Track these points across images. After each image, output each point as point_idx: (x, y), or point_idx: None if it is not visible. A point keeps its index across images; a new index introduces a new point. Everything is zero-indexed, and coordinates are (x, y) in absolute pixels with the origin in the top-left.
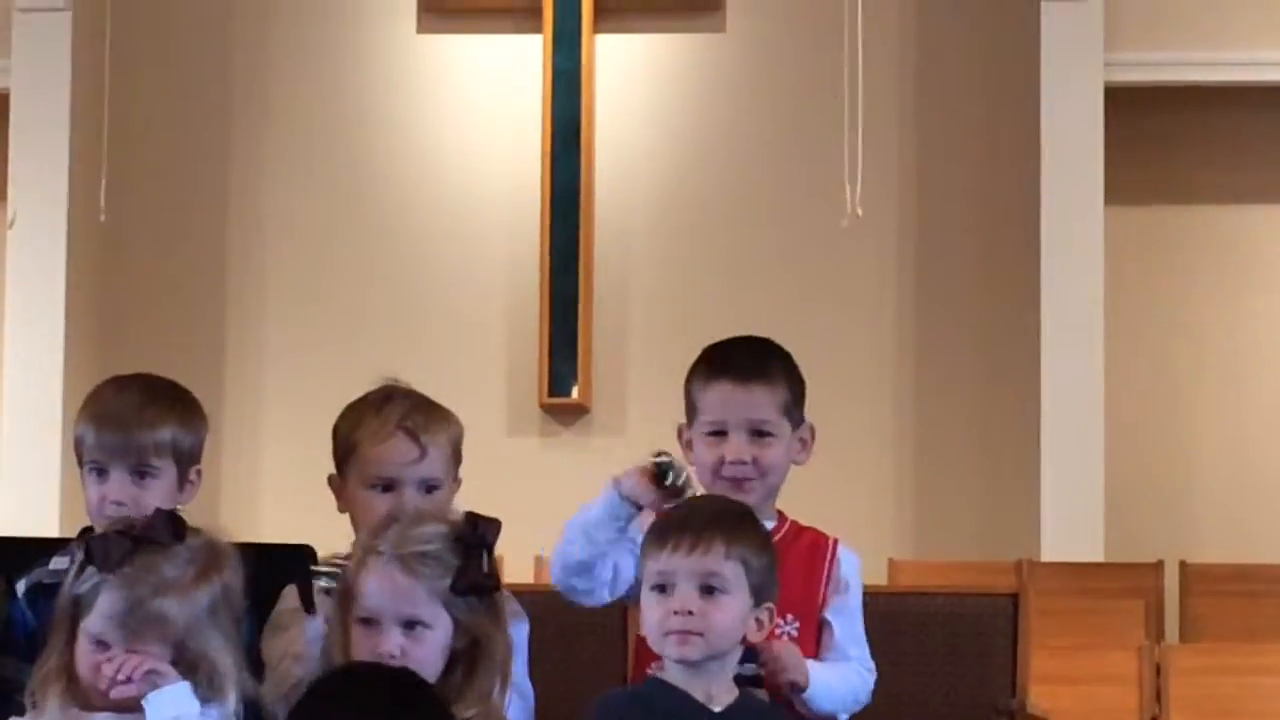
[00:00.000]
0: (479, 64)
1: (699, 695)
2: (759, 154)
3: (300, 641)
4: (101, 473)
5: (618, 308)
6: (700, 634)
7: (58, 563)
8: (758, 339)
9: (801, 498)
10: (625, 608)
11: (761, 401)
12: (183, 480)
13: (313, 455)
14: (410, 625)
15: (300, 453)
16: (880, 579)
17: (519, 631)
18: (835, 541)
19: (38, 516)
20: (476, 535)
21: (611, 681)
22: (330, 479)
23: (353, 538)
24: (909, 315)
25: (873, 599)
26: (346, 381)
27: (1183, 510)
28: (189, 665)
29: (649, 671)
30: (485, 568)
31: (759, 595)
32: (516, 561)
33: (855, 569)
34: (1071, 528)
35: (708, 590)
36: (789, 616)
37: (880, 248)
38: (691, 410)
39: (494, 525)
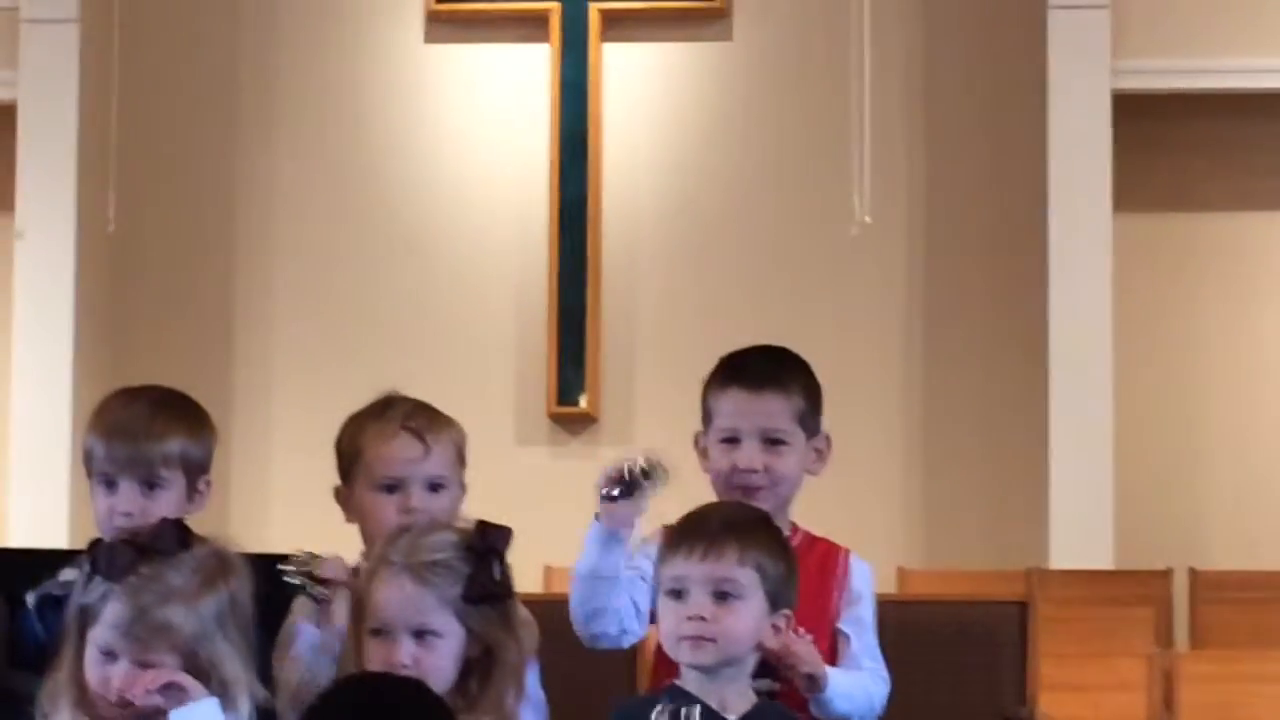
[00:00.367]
0: (486, 74)
1: (714, 703)
2: (767, 163)
3: (304, 659)
4: (110, 484)
5: (626, 317)
6: (713, 639)
7: (67, 574)
8: (776, 348)
9: (809, 506)
10: None
11: (775, 410)
12: (192, 491)
13: (322, 466)
14: (422, 635)
15: (310, 463)
16: (890, 588)
17: (528, 639)
18: (848, 553)
19: (47, 529)
20: (487, 543)
21: (621, 693)
22: (336, 491)
23: (362, 548)
24: (917, 324)
25: (882, 608)
26: (355, 392)
27: (1192, 517)
28: (199, 674)
29: (665, 682)
30: (497, 575)
31: (775, 601)
32: (525, 571)
33: (868, 580)
34: (1080, 535)
35: (721, 596)
36: (801, 630)
37: (888, 257)
38: (707, 417)
39: (505, 533)
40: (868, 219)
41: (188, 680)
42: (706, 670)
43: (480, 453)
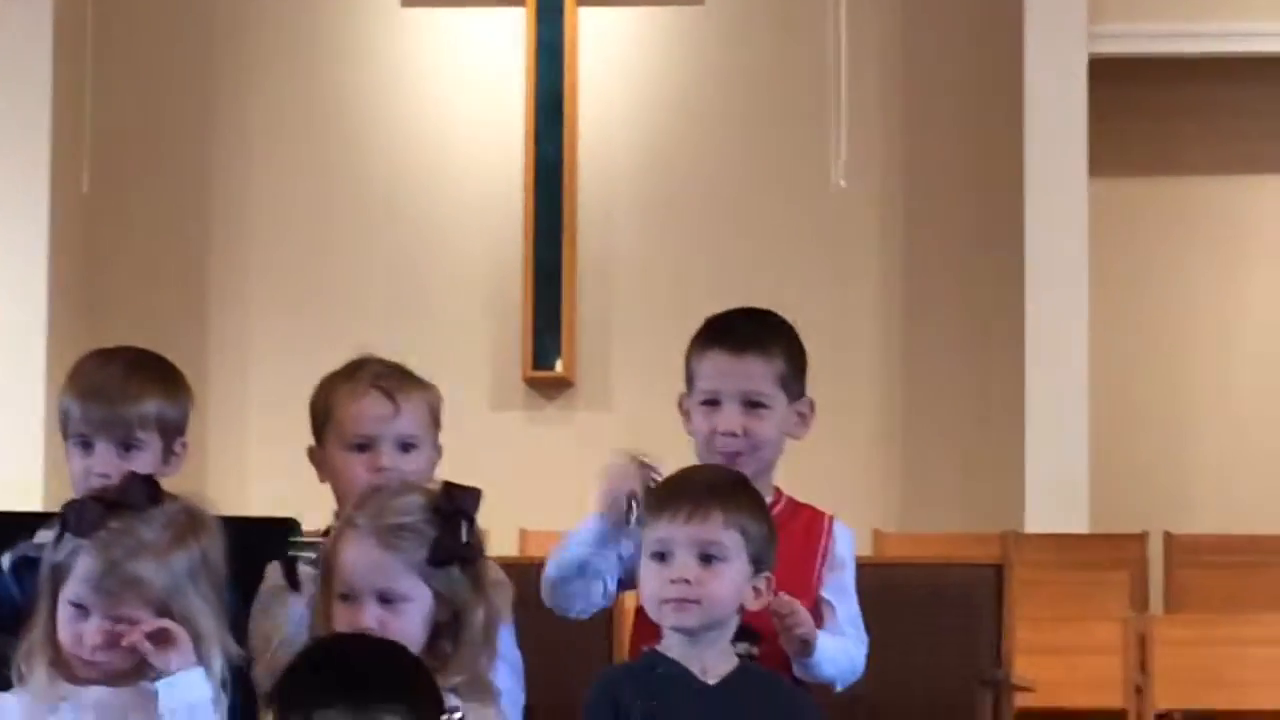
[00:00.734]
0: (462, 37)
1: (695, 668)
2: (743, 126)
3: (286, 626)
4: (87, 446)
5: (601, 281)
6: (697, 602)
7: (43, 536)
8: (759, 310)
9: (786, 470)
10: None
11: (755, 372)
12: (168, 452)
13: (298, 427)
14: (388, 599)
15: (286, 425)
16: (866, 551)
17: (501, 598)
18: (831, 518)
19: (22, 491)
20: (454, 505)
21: (598, 656)
22: (310, 451)
23: (335, 509)
24: (894, 287)
25: (859, 571)
26: (331, 355)
27: (1168, 482)
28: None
29: (645, 647)
30: (464, 538)
31: (757, 564)
32: (501, 535)
33: (850, 546)
34: (1056, 499)
35: (706, 559)
36: (783, 594)
37: (865, 220)
38: (690, 380)
39: (472, 494)
40: (844, 182)
41: (178, 631)
42: (688, 634)
43: (455, 417)
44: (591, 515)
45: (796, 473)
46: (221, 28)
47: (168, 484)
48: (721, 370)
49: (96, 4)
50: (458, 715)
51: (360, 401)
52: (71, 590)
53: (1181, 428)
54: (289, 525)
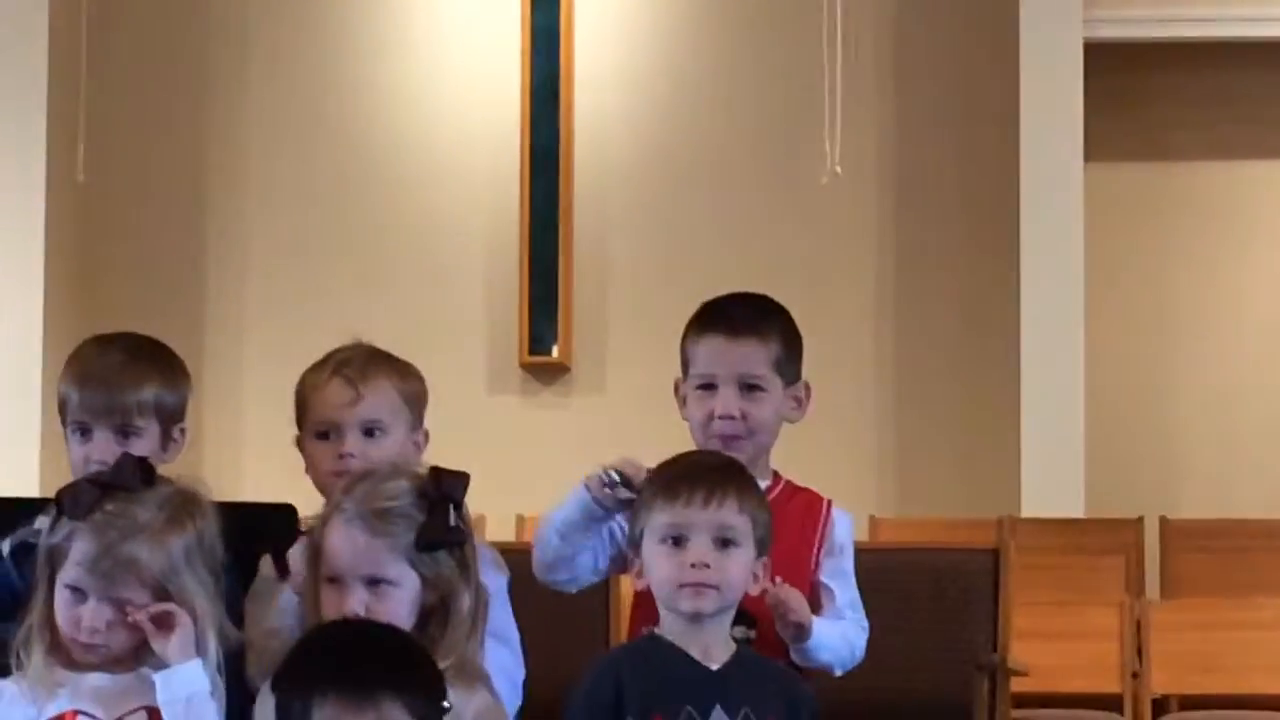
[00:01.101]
0: (459, 21)
1: (696, 652)
2: (739, 111)
3: (278, 619)
4: (85, 432)
5: (598, 266)
6: (716, 587)
7: (42, 522)
8: (755, 295)
9: (782, 455)
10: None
11: (751, 356)
12: (166, 439)
13: (292, 418)
14: (375, 583)
15: (282, 412)
16: (862, 536)
17: (497, 581)
18: (829, 503)
19: (19, 478)
20: (441, 490)
21: (595, 639)
22: (296, 441)
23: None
24: (889, 273)
25: (856, 556)
26: (327, 340)
27: (1163, 466)
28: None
29: (644, 630)
30: (451, 522)
31: (760, 549)
32: (498, 520)
33: (849, 531)
34: (1052, 484)
35: (722, 543)
36: (778, 579)
37: (860, 205)
38: (685, 365)
39: (459, 478)
40: (839, 168)
41: (182, 616)
42: (696, 619)
43: (452, 402)
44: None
45: (792, 458)
46: (216, 16)
47: (166, 470)
48: (717, 354)
49: None
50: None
51: (324, 389)
52: (68, 574)
53: (1177, 412)
54: (286, 511)
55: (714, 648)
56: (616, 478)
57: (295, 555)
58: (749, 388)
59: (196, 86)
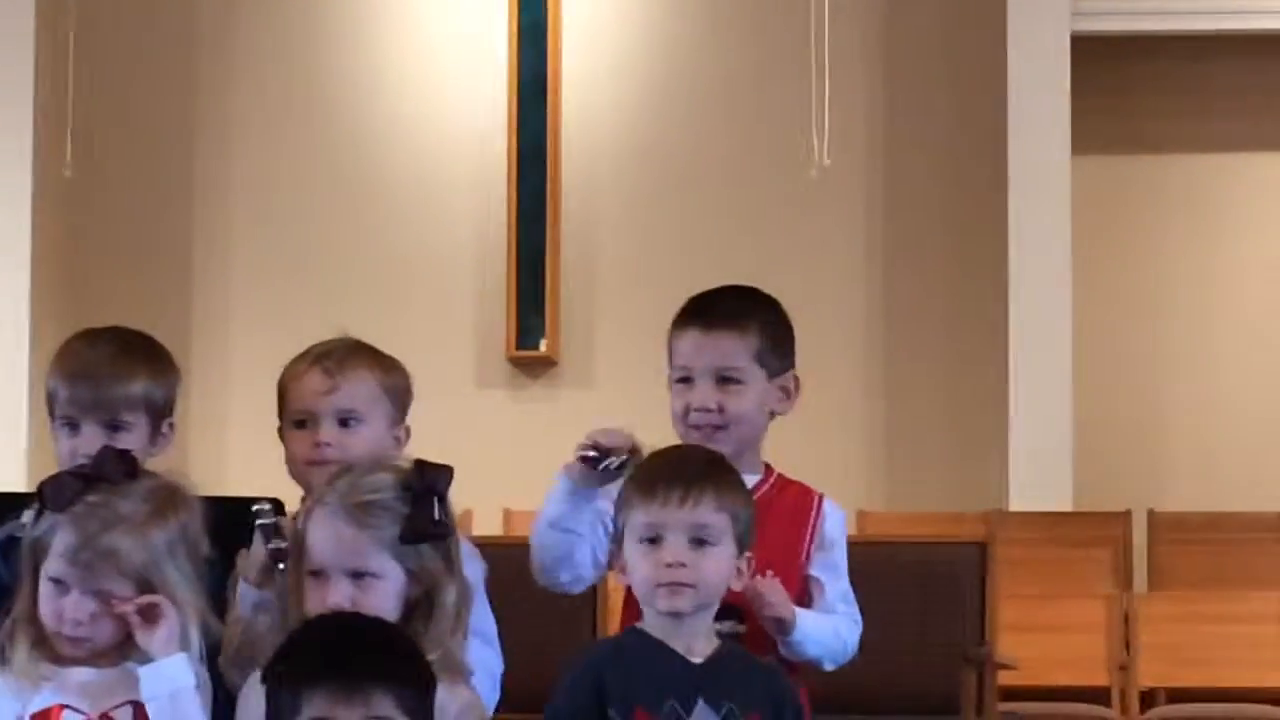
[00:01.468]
0: (446, 17)
1: (679, 647)
2: (726, 106)
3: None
4: (73, 427)
5: (586, 260)
6: (692, 586)
7: (27, 516)
8: (739, 287)
9: (771, 450)
10: None
11: (728, 349)
12: (155, 433)
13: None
14: (359, 576)
15: (268, 405)
16: (850, 530)
17: (474, 572)
18: (821, 497)
19: (6, 472)
20: (425, 482)
21: (582, 633)
22: (279, 432)
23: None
24: (877, 266)
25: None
26: (313, 336)
27: (1151, 460)
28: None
29: (629, 626)
30: (436, 515)
31: (741, 545)
32: (484, 514)
33: (840, 525)
34: (1040, 477)
35: (698, 542)
36: (769, 572)
37: (848, 198)
38: (670, 359)
39: (444, 471)
40: (827, 161)
41: (168, 610)
42: (671, 615)
43: (440, 396)
44: (559, 473)
45: (780, 451)
46: (204, 10)
47: (153, 464)
48: (694, 347)
49: None
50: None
51: (302, 379)
52: (51, 566)
53: (1164, 405)
54: (271, 505)
55: (697, 642)
56: (593, 454)
57: (255, 551)
58: (726, 380)
59: (184, 81)
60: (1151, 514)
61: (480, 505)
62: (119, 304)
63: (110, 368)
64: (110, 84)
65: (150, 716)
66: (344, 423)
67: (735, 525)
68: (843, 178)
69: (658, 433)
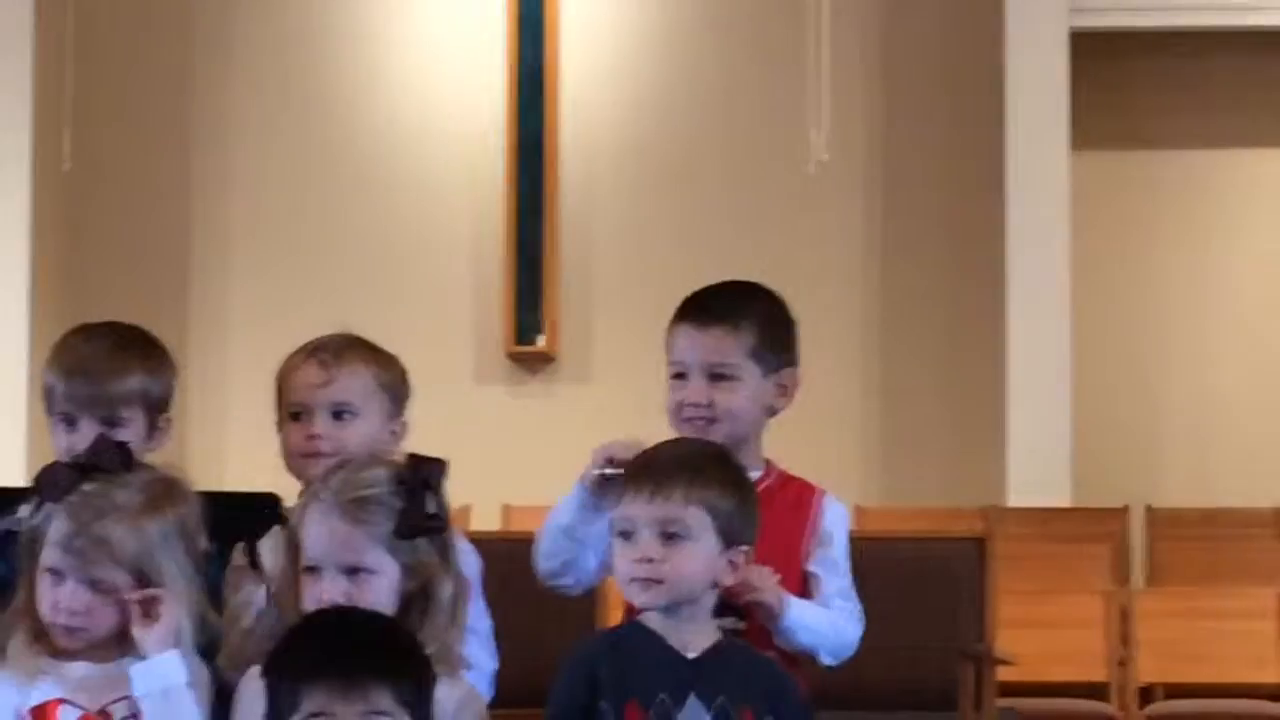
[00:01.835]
0: (444, 13)
1: (675, 642)
2: (724, 101)
3: (248, 613)
4: (71, 423)
5: (584, 256)
6: (661, 580)
7: (24, 511)
8: (736, 283)
9: (768, 446)
10: None
11: (721, 344)
12: (152, 429)
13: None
14: (354, 571)
15: (266, 401)
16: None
17: (470, 569)
18: (821, 493)
19: (5, 467)
20: (419, 477)
21: (580, 629)
22: (277, 424)
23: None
24: (875, 261)
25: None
26: (311, 331)
27: (1149, 455)
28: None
29: (628, 619)
30: (430, 509)
31: (730, 539)
32: (484, 510)
33: (841, 520)
34: (1038, 473)
35: (669, 536)
36: (768, 568)
37: (846, 194)
38: (667, 355)
39: (437, 465)
40: (825, 156)
41: (168, 607)
42: (663, 610)
43: (438, 392)
44: (576, 483)
45: (778, 448)
46: (201, 6)
47: (151, 459)
48: (688, 344)
49: None
50: None
51: (296, 372)
52: (46, 556)
53: (1162, 402)
54: (269, 500)
55: (694, 637)
56: (609, 471)
57: (266, 549)
58: (719, 376)
59: (182, 75)
60: (1149, 510)
61: (478, 501)
62: (117, 298)
63: (107, 363)
64: (109, 80)
65: (144, 713)
66: (338, 416)
67: (715, 519)
68: (841, 174)
69: (657, 428)
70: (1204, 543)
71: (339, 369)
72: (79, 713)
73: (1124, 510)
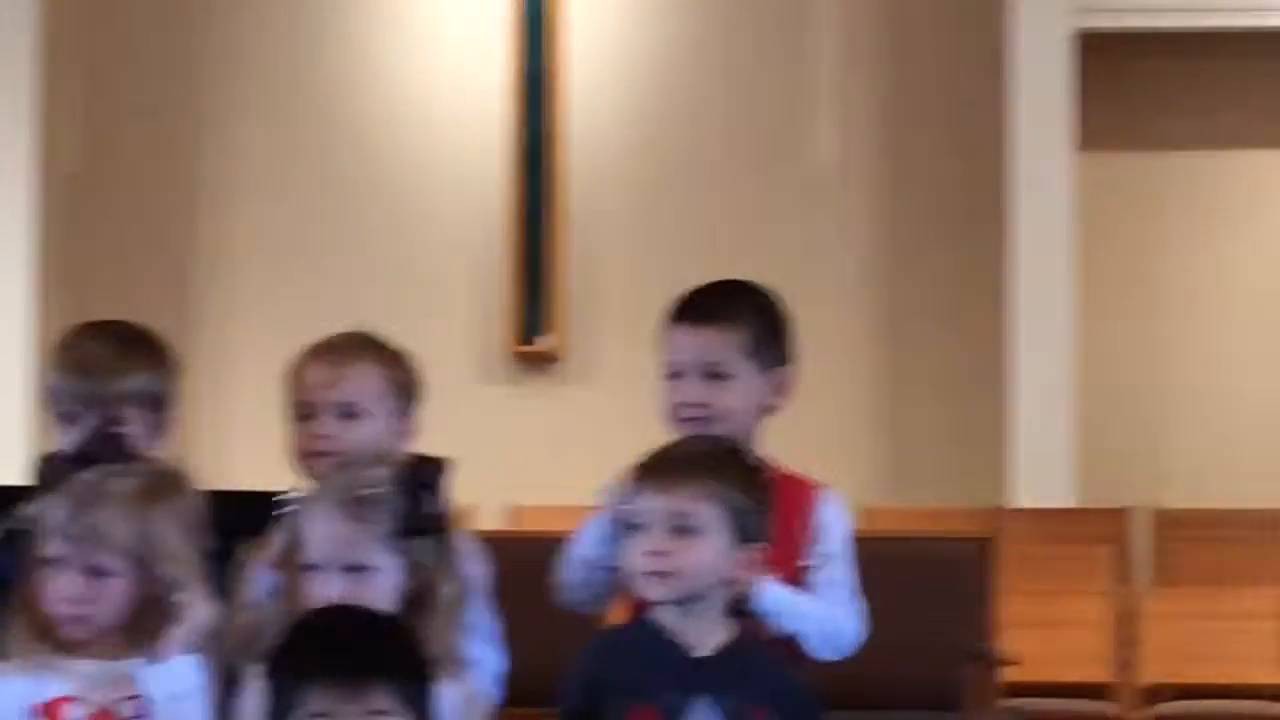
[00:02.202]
0: (447, 12)
1: (687, 639)
2: (730, 99)
3: (253, 610)
4: (73, 422)
5: (588, 256)
6: (671, 574)
7: (28, 509)
8: (731, 282)
9: (772, 444)
10: None
11: (714, 343)
12: (156, 427)
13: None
14: (355, 570)
15: (272, 400)
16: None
17: (479, 573)
18: (821, 489)
19: (9, 466)
20: (420, 476)
21: (589, 630)
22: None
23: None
24: (878, 261)
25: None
26: (317, 329)
27: (1154, 456)
28: (150, 590)
29: (641, 615)
30: (432, 509)
31: (745, 534)
32: (490, 510)
33: (840, 518)
34: (1043, 474)
35: (680, 530)
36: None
37: (851, 194)
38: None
39: (438, 464)
40: (830, 157)
41: (189, 612)
42: (676, 605)
43: (443, 392)
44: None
45: (781, 446)
46: (208, 7)
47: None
48: (681, 343)
49: None
50: None
51: (303, 371)
52: (45, 546)
53: (1168, 402)
54: (273, 499)
55: (706, 634)
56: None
57: (269, 547)
58: (714, 375)
59: (188, 78)
60: (1154, 511)
61: (485, 501)
62: (123, 298)
63: (110, 362)
64: (115, 80)
65: (155, 715)
66: (345, 416)
67: (728, 515)
68: (846, 174)
69: (662, 428)
70: (1209, 544)
71: (346, 369)
72: (84, 710)
73: (1129, 511)
